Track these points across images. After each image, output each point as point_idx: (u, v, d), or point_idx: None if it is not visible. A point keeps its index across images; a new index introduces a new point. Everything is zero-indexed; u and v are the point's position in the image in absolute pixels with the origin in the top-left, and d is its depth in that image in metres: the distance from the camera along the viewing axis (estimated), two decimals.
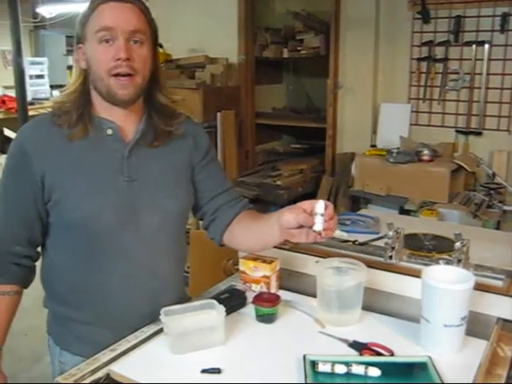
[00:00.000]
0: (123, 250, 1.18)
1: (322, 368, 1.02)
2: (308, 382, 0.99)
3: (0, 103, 5.00)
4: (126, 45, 1.11)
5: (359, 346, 1.12)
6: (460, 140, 3.58)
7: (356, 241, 1.63)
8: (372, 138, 3.84)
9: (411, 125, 3.72)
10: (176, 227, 1.28)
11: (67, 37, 6.40)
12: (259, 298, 1.26)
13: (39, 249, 1.26)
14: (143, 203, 1.19)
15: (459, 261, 1.37)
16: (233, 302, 1.29)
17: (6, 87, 5.07)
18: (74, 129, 1.16)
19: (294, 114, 4.97)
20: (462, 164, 3.25)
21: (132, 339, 1.16)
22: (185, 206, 1.29)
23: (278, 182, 3.85)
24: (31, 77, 5.38)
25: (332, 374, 1.02)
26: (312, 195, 3.86)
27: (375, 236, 1.72)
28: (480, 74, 3.45)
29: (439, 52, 3.55)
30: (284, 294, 1.34)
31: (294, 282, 1.46)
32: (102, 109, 1.19)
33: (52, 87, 5.63)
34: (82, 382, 1.02)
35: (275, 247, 1.44)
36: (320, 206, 1.08)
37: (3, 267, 1.20)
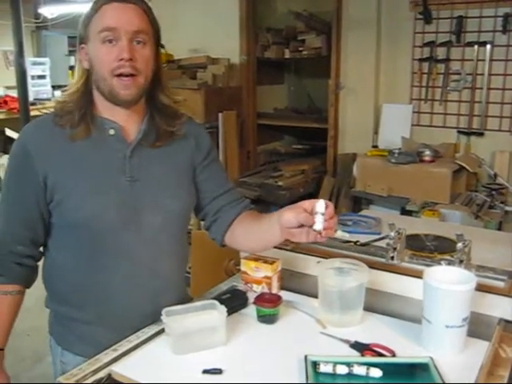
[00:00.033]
0: (125, 249, 1.19)
1: (323, 369, 1.02)
2: (309, 382, 0.99)
3: (2, 103, 5.01)
4: (128, 45, 1.12)
5: (361, 347, 1.12)
6: (462, 140, 3.58)
7: (358, 241, 1.63)
8: (374, 138, 3.84)
9: (413, 125, 3.71)
10: (178, 227, 1.28)
11: (69, 37, 6.41)
12: (261, 299, 1.26)
13: (41, 249, 1.26)
14: (145, 203, 1.19)
15: (461, 261, 1.37)
16: (234, 302, 1.29)
17: (8, 87, 5.08)
18: (77, 129, 1.16)
19: (296, 115, 4.97)
20: (464, 165, 3.24)
21: (133, 339, 1.16)
22: (187, 206, 1.29)
23: (280, 183, 3.85)
24: (33, 77, 5.39)
25: (333, 375, 1.02)
26: (314, 196, 3.86)
27: (377, 237, 1.72)
28: (482, 74, 3.45)
29: (441, 52, 3.55)
30: (285, 295, 1.34)
31: (296, 282, 1.46)
32: (105, 109, 1.19)
33: (54, 87, 5.64)
34: (84, 382, 1.02)
35: (277, 248, 1.44)
36: (320, 205, 1.08)
37: (5, 267, 1.20)
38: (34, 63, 5.59)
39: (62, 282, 1.23)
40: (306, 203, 1.11)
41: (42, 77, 5.61)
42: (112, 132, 1.19)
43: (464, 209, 2.97)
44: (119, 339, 1.15)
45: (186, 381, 1.02)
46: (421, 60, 3.61)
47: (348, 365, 1.02)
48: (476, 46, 3.42)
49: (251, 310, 1.28)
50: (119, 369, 1.06)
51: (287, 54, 4.60)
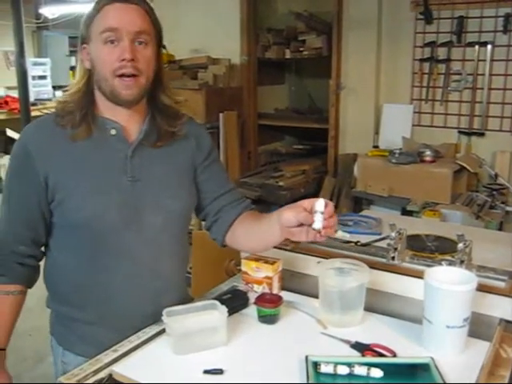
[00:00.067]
0: (126, 249, 1.19)
1: (324, 369, 1.02)
2: (310, 382, 0.99)
3: (3, 104, 5.01)
4: (130, 46, 1.12)
5: (361, 347, 1.12)
6: (462, 141, 3.58)
7: (358, 242, 1.63)
8: (374, 138, 3.84)
9: (413, 125, 3.71)
10: (179, 228, 1.29)
11: (70, 37, 6.43)
12: (261, 299, 1.26)
13: (43, 248, 1.26)
14: (146, 203, 1.20)
15: (462, 262, 1.37)
16: (235, 302, 1.29)
17: (9, 88, 5.08)
18: (78, 129, 1.17)
19: (297, 115, 4.98)
20: (465, 165, 3.24)
21: (134, 340, 1.16)
22: (188, 206, 1.29)
23: (281, 183, 3.85)
24: (34, 77, 5.39)
25: (334, 375, 1.02)
26: (314, 196, 3.84)
27: (377, 237, 1.72)
28: (483, 74, 3.44)
29: (442, 53, 3.55)
30: (286, 295, 1.34)
31: (296, 282, 1.46)
32: (106, 109, 1.19)
33: (55, 88, 5.64)
34: (85, 382, 1.02)
35: (277, 248, 1.44)
36: (320, 204, 1.08)
37: (7, 267, 1.20)
38: (35, 63, 5.60)
39: (63, 282, 1.23)
40: (306, 202, 1.11)
41: (42, 77, 5.62)
42: (113, 132, 1.19)
43: (465, 209, 2.97)
44: (120, 339, 1.16)
45: (187, 381, 1.02)
46: (421, 60, 3.61)
47: (349, 365, 1.02)
48: (477, 46, 3.42)
49: (252, 311, 1.28)
50: (120, 369, 1.06)
51: (288, 55, 4.60)
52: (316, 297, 1.29)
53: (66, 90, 1.21)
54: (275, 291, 1.38)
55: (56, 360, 1.29)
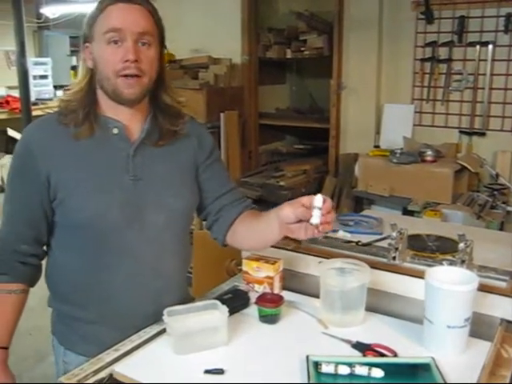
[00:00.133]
0: (128, 248, 1.19)
1: (325, 369, 1.02)
2: (311, 382, 0.99)
3: (4, 103, 5.02)
4: (134, 46, 1.12)
5: (362, 347, 1.12)
6: (463, 141, 3.57)
7: (359, 241, 1.63)
8: (375, 138, 3.84)
9: (414, 125, 3.71)
10: (181, 226, 1.29)
11: (71, 37, 6.42)
12: (262, 299, 1.26)
13: (45, 247, 1.26)
14: (149, 202, 1.20)
15: (463, 262, 1.37)
16: (236, 302, 1.29)
17: (10, 87, 5.09)
18: (80, 128, 1.17)
19: (298, 115, 4.98)
20: (466, 165, 3.24)
21: (135, 339, 1.16)
22: (190, 205, 1.29)
23: (282, 183, 3.85)
24: (35, 77, 5.40)
25: (335, 375, 1.02)
26: None
27: (378, 237, 1.72)
28: (484, 74, 3.44)
29: (443, 52, 3.55)
30: (287, 295, 1.34)
31: (297, 282, 1.46)
32: (108, 108, 1.19)
33: (56, 87, 5.65)
34: (85, 382, 1.02)
35: (278, 247, 1.44)
36: (318, 200, 1.09)
37: (9, 266, 1.20)
38: (36, 63, 5.60)
39: (65, 281, 1.23)
40: (304, 199, 1.12)
41: (43, 77, 5.62)
42: (115, 131, 1.19)
43: (466, 209, 2.96)
44: (122, 339, 1.16)
45: (188, 381, 1.02)
46: (423, 60, 3.61)
47: (350, 365, 1.02)
48: (478, 46, 3.42)
49: (253, 310, 1.28)
50: (121, 369, 1.06)
51: (289, 54, 4.61)
52: (317, 297, 1.29)
53: (68, 89, 1.22)
54: (276, 291, 1.38)
55: (57, 360, 1.29)
